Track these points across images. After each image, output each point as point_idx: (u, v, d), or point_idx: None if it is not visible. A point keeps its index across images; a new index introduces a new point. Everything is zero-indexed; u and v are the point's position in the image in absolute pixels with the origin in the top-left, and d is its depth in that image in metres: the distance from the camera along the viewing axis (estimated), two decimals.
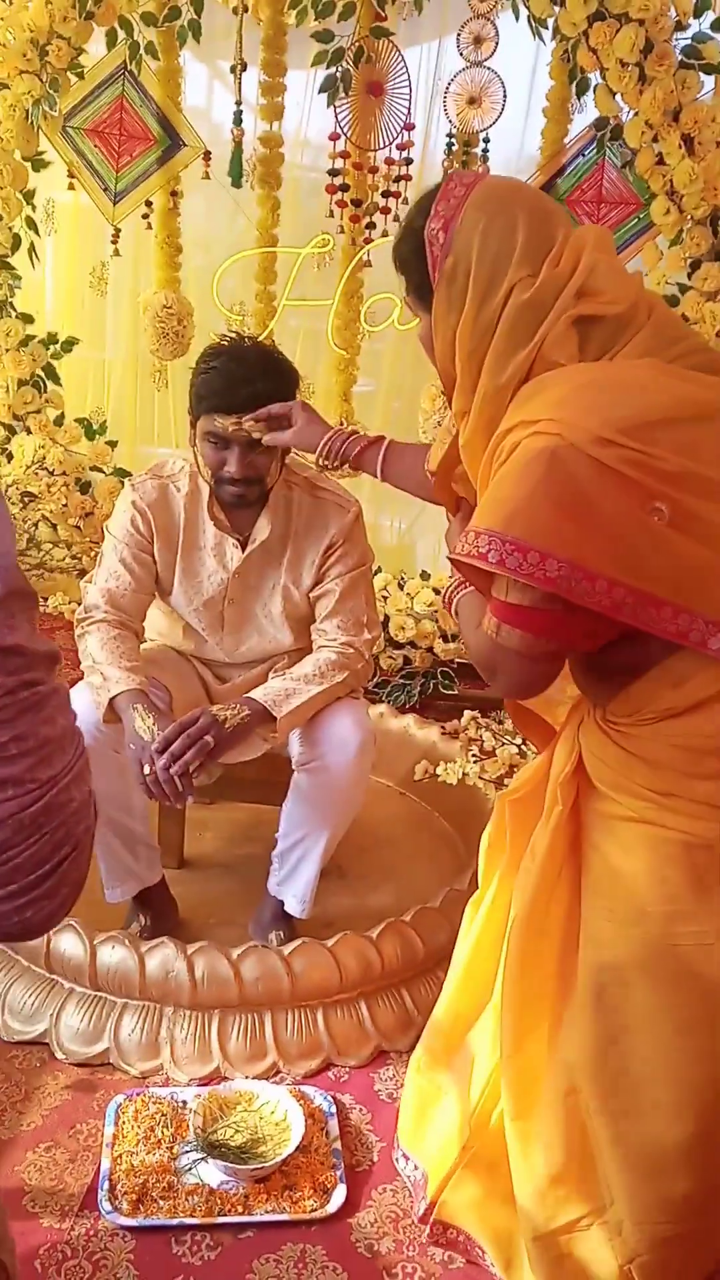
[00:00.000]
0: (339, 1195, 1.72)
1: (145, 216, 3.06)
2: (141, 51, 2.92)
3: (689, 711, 1.33)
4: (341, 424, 3.19)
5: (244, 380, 1.98)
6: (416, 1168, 1.77)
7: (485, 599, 1.39)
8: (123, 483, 2.33)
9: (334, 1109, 1.88)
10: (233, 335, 2.12)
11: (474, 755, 2.49)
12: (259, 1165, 1.71)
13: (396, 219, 3.02)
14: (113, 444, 3.27)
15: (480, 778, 2.42)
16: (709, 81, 2.71)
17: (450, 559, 1.38)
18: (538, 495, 1.25)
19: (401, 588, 3.32)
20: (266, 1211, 1.68)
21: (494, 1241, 1.62)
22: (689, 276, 2.81)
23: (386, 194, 2.99)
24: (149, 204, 3.06)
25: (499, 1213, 1.62)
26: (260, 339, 2.31)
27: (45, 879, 0.74)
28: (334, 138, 2.92)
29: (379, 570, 3.14)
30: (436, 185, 1.42)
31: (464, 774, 2.40)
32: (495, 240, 1.35)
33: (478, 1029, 1.69)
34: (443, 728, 2.80)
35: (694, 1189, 1.44)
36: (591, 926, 1.46)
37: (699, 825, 1.34)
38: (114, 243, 3.09)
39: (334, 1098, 1.91)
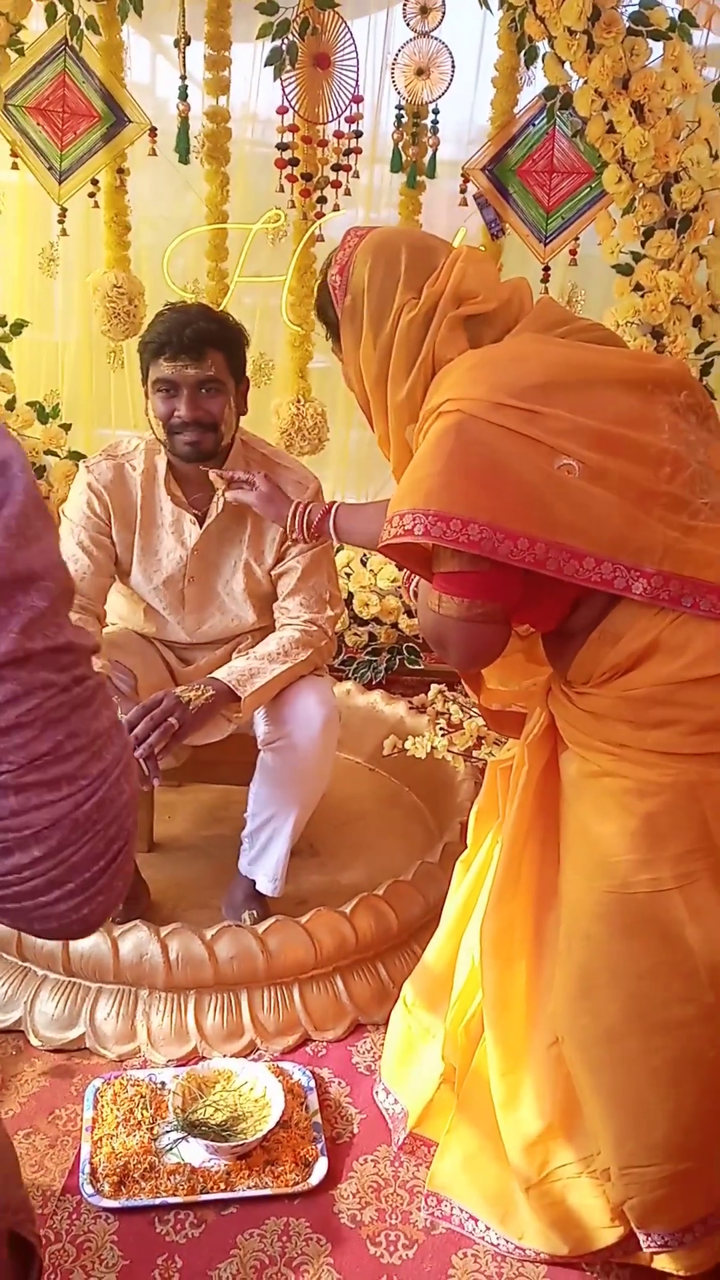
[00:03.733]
0: (321, 1168, 1.73)
1: (92, 195, 3.01)
2: (82, 26, 2.87)
3: (631, 668, 1.40)
4: (298, 401, 3.18)
5: (186, 322, 2.03)
6: (396, 1102, 1.84)
7: (425, 577, 1.47)
8: (78, 466, 2.30)
9: (313, 1083, 1.88)
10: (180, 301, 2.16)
11: (441, 728, 2.50)
12: (240, 1142, 1.72)
13: (348, 193, 3.00)
14: (66, 427, 3.23)
15: (449, 750, 2.42)
16: (657, 48, 2.70)
17: (381, 548, 1.46)
18: (450, 468, 1.35)
19: (365, 564, 3.32)
20: (249, 1187, 1.69)
21: (486, 1199, 1.66)
22: (642, 245, 2.81)
23: (337, 167, 2.96)
24: (95, 182, 3.01)
25: (488, 1170, 1.67)
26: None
27: (100, 875, 0.74)
28: (281, 111, 2.88)
29: (341, 548, 3.13)
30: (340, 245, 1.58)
31: (432, 747, 2.41)
32: (381, 273, 1.51)
33: (459, 968, 1.76)
34: (409, 702, 2.80)
35: (674, 1131, 1.48)
36: (565, 883, 1.52)
37: (651, 773, 1.40)
38: (61, 222, 3.04)
39: (313, 1072, 1.91)
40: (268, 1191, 1.69)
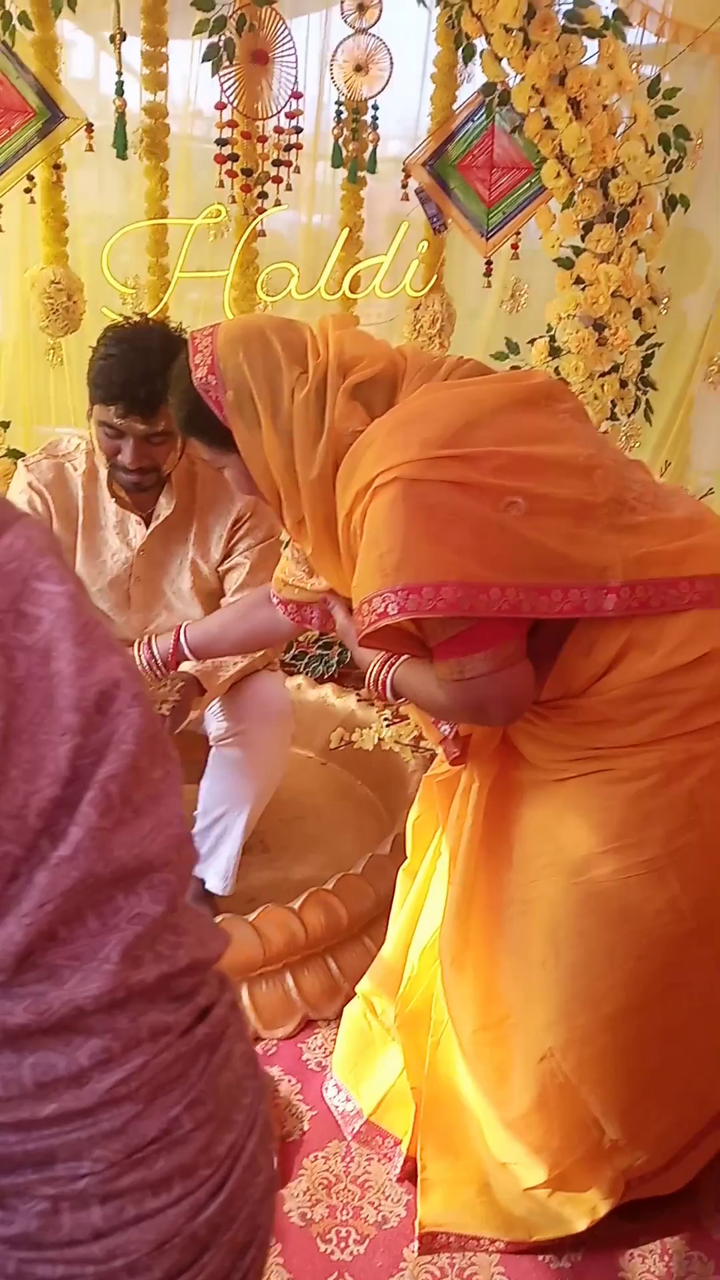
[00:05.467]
0: None
1: (28, 191, 2.98)
2: (15, 22, 2.83)
3: (608, 671, 1.40)
4: None
5: (143, 377, 1.91)
6: (349, 1100, 1.84)
7: (417, 656, 1.45)
8: (16, 465, 2.27)
9: None
10: (137, 317, 2.07)
11: (387, 719, 2.50)
12: None
13: (289, 188, 2.99)
14: (5, 425, 3.19)
15: (396, 741, 2.42)
16: (593, 46, 2.72)
17: (361, 642, 1.42)
18: (408, 538, 1.32)
19: None
20: None
21: (484, 1220, 1.64)
22: (582, 239, 2.83)
23: (278, 163, 2.95)
24: (31, 178, 2.98)
25: (470, 1190, 1.65)
26: (152, 315, 2.27)
27: None
28: (220, 107, 2.86)
29: (289, 543, 3.12)
30: (184, 355, 1.50)
31: (379, 739, 2.41)
32: (260, 359, 1.46)
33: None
34: (359, 695, 2.80)
35: (677, 1083, 1.55)
36: (531, 891, 1.51)
37: (634, 760, 1.41)
38: None
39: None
40: None
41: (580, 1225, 1.59)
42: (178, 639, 1.94)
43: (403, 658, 1.49)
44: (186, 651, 1.94)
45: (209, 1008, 0.47)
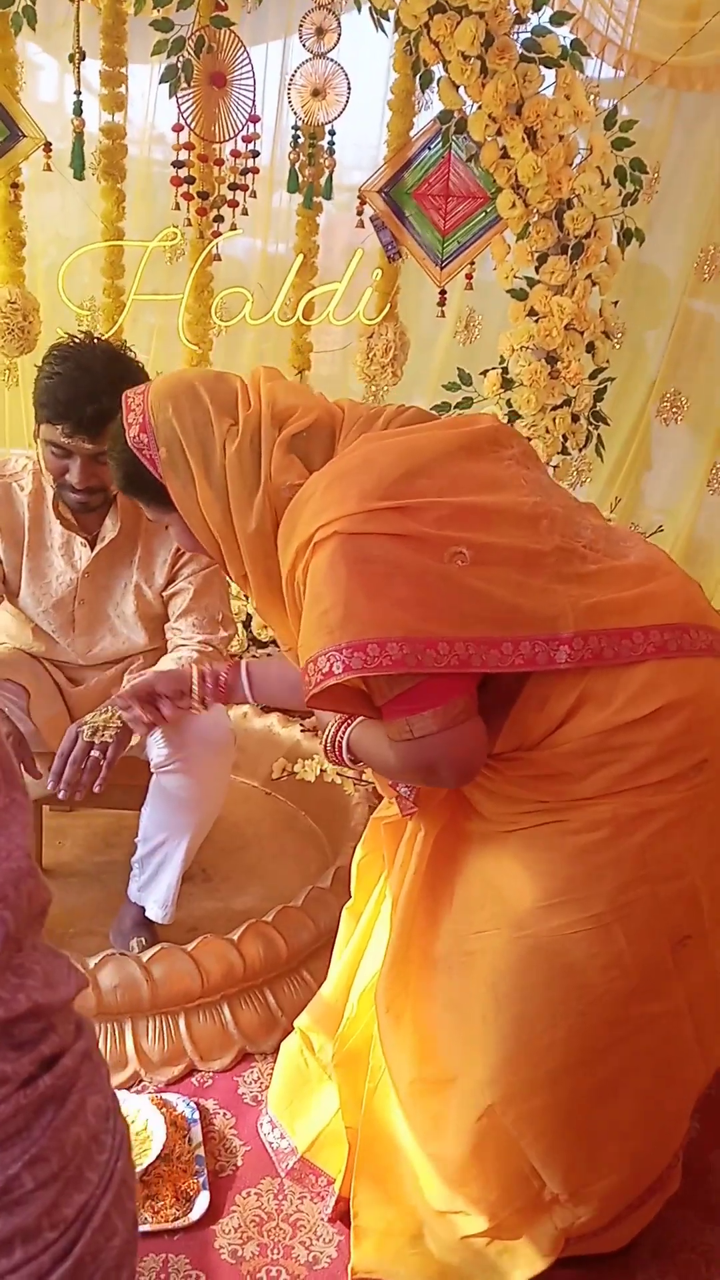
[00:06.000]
0: (202, 1202, 1.69)
1: None
2: None
3: (562, 725, 1.37)
4: None
5: (89, 395, 1.90)
6: (283, 1136, 1.80)
7: (371, 717, 1.42)
8: None
9: (197, 1115, 1.84)
10: (81, 335, 2.06)
11: None
12: None
13: (245, 212, 2.99)
14: None
15: (338, 773, 2.41)
16: (550, 75, 2.74)
17: (309, 703, 1.39)
18: (351, 593, 1.29)
19: None
20: None
21: (419, 1273, 1.60)
22: (536, 270, 2.84)
23: (234, 186, 2.95)
24: None
25: (404, 1238, 1.61)
26: (106, 336, 2.25)
27: None
28: (177, 129, 2.86)
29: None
30: (119, 416, 1.50)
31: (322, 770, 2.39)
32: (188, 413, 1.45)
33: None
34: (303, 725, 2.78)
35: (618, 1139, 1.49)
36: (473, 944, 1.47)
37: (587, 812, 1.37)
38: None
39: (197, 1104, 1.87)
40: (146, 1228, 1.64)
41: (516, 1279, 1.55)
42: (242, 673, 1.79)
43: (358, 719, 1.45)
44: (247, 689, 1.80)
45: (56, 1056, 0.44)
